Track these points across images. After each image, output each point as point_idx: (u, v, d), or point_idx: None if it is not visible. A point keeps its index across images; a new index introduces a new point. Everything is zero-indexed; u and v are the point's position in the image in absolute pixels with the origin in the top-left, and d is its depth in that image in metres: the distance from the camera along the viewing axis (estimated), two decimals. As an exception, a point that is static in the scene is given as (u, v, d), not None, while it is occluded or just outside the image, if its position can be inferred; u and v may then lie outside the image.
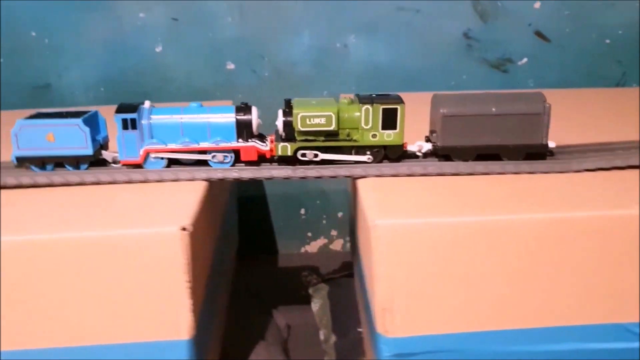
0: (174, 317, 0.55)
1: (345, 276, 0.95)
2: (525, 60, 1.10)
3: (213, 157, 0.66)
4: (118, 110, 0.65)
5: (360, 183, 0.65)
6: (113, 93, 1.08)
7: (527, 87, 1.12)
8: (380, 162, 0.67)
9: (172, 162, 0.67)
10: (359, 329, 0.80)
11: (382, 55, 1.08)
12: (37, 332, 0.55)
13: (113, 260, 0.53)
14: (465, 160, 0.67)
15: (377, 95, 0.67)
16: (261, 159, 0.68)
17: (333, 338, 0.79)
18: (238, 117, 0.66)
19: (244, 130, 0.66)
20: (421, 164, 0.67)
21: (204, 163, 0.67)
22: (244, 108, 0.67)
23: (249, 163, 0.68)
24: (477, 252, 0.56)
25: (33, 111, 0.70)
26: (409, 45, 1.08)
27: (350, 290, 0.88)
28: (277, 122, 0.67)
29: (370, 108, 0.65)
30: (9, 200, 0.61)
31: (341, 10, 1.05)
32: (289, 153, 0.66)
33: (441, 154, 0.67)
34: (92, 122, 0.67)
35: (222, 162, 0.67)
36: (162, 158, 0.66)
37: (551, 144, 0.67)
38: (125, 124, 0.65)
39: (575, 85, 1.10)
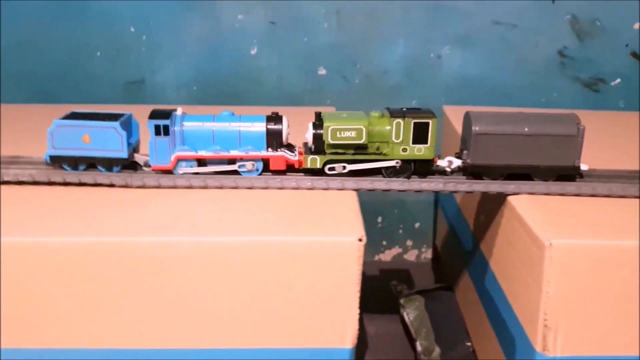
0: (341, 325, 0.55)
1: (439, 289, 0.94)
2: (618, 80, 1.09)
3: (241, 166, 0.67)
4: (151, 116, 0.66)
5: (512, 200, 0.65)
6: (204, 93, 1.09)
7: (617, 108, 1.10)
8: (409, 177, 0.67)
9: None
10: (468, 343, 0.80)
11: (474, 68, 1.08)
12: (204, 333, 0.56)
13: (286, 265, 0.54)
14: (495, 179, 0.66)
15: (408, 109, 0.67)
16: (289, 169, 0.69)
17: (437, 350, 0.78)
18: (269, 127, 0.67)
19: (274, 139, 0.67)
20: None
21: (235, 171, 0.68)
22: (274, 118, 0.68)
23: (278, 172, 0.69)
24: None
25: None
26: (502, 60, 1.08)
27: (448, 303, 0.88)
28: (306, 135, 0.68)
29: (402, 122, 0.65)
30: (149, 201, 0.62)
31: (438, 21, 1.05)
32: (318, 166, 0.67)
33: (471, 171, 0.67)
34: (128, 125, 0.69)
35: (250, 171, 0.67)
36: (192, 166, 0.67)
37: (584, 167, 0.66)
38: (157, 130, 0.66)
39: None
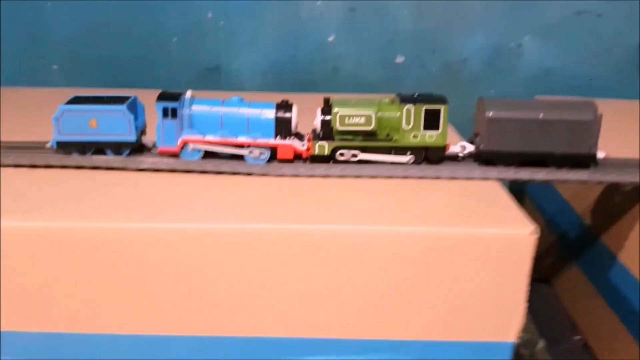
0: (507, 318, 0.54)
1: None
2: (703, 71, 1.07)
3: (250, 152, 0.65)
4: (159, 98, 0.64)
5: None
6: (280, 80, 1.08)
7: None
8: (420, 164, 0.65)
9: (207, 155, 0.66)
10: (577, 337, 0.78)
11: (555, 58, 1.06)
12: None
13: (458, 257, 0.52)
14: (509, 165, 0.64)
15: (419, 95, 0.65)
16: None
17: (541, 343, 0.77)
18: (278, 115, 0.65)
19: (282, 127, 0.65)
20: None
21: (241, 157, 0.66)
22: (284, 106, 0.66)
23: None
24: None
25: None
26: (583, 50, 1.06)
27: (546, 296, 0.86)
28: (315, 121, 0.66)
29: (412, 108, 0.63)
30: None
31: (519, 10, 1.04)
32: (326, 152, 0.65)
33: (484, 158, 0.65)
34: (134, 108, 0.67)
35: (257, 158, 0.65)
36: (199, 150, 0.65)
37: (600, 155, 0.64)
38: (165, 113, 0.64)
39: None
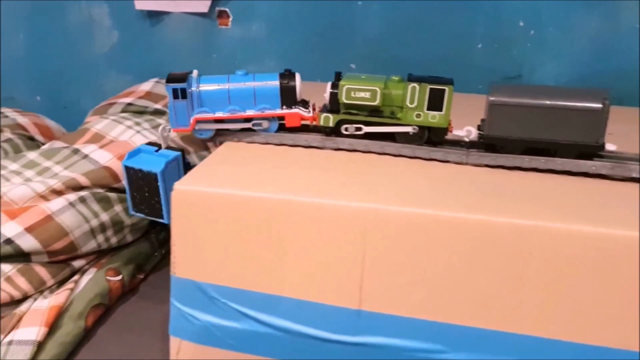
0: None
1: None
2: None
3: (256, 124, 0.68)
4: (168, 81, 0.66)
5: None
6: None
7: None
8: (421, 144, 0.65)
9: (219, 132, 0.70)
10: None
11: None
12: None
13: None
14: (512, 153, 0.63)
15: (430, 76, 0.65)
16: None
17: None
18: (282, 84, 0.66)
19: (287, 96, 0.66)
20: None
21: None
22: (287, 75, 0.67)
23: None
24: None
25: None
26: None
27: None
28: (324, 94, 0.67)
29: (417, 87, 0.63)
30: None
31: None
32: (331, 124, 0.67)
33: (487, 143, 0.64)
34: None
35: (266, 129, 0.68)
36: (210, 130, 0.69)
37: (611, 147, 0.62)
38: (175, 94, 0.67)
39: None
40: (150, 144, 0.73)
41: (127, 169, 0.70)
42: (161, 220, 0.69)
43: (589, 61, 1.04)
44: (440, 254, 0.53)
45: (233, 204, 0.56)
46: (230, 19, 1.16)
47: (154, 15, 1.20)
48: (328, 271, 0.56)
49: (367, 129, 0.67)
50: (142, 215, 0.72)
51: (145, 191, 0.69)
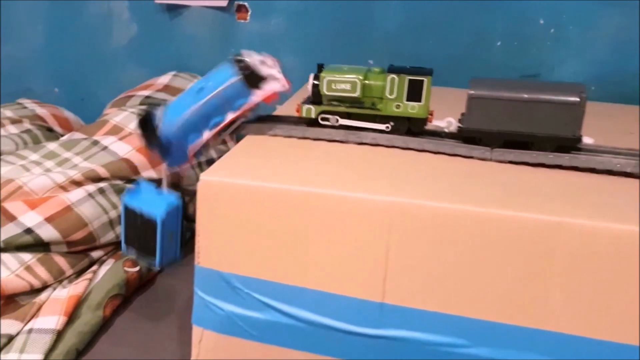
0: None
1: None
2: None
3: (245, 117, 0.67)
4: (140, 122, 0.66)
5: None
6: (604, 92, 1.04)
7: None
8: (402, 134, 0.66)
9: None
10: None
11: None
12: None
13: None
14: (489, 145, 0.63)
15: (411, 67, 0.64)
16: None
17: None
18: (241, 73, 0.64)
19: (252, 80, 0.64)
20: None
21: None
22: (239, 60, 0.64)
23: None
24: None
25: None
26: None
27: None
28: (307, 86, 0.67)
29: (396, 78, 0.64)
30: None
31: None
32: (313, 116, 0.67)
33: (465, 135, 0.64)
34: None
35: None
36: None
37: (588, 140, 0.62)
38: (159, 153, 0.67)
39: None
40: (150, 180, 0.72)
41: (127, 208, 0.69)
42: (152, 263, 0.68)
43: (609, 60, 1.04)
44: (465, 248, 0.53)
45: (258, 196, 0.56)
46: (249, 13, 1.16)
47: (173, 9, 1.21)
48: (352, 264, 0.56)
49: (343, 122, 0.67)
50: (133, 252, 0.71)
51: (141, 231, 0.68)
